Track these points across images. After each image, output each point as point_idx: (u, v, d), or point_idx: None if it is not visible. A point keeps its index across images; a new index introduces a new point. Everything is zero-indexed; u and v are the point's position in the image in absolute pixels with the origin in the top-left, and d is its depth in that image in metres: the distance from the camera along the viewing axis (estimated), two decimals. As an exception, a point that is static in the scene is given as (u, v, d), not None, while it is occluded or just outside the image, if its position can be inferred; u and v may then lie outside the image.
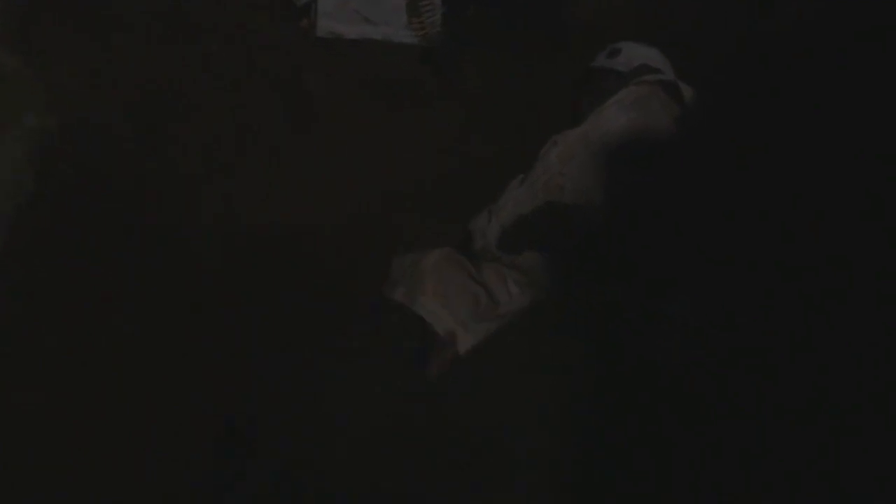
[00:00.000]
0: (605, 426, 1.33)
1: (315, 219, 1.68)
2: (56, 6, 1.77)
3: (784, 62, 1.40)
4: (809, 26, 1.40)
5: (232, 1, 1.86)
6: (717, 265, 1.35)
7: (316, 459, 1.38)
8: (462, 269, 1.50)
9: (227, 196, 1.70)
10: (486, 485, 1.34)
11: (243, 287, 1.60)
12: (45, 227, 1.61)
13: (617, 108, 1.57)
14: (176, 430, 1.46)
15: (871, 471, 1.13)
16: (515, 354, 1.46)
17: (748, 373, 1.25)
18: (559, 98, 1.76)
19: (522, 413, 1.38)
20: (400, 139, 1.78)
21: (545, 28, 1.87)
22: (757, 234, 1.33)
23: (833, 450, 1.15)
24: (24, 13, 1.73)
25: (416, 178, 1.74)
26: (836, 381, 1.20)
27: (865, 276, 1.24)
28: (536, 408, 1.38)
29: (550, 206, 1.54)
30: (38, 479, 1.42)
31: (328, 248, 1.65)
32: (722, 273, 1.34)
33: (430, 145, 1.78)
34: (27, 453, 1.43)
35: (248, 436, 1.44)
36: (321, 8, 1.88)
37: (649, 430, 1.28)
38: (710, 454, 1.22)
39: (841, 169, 1.30)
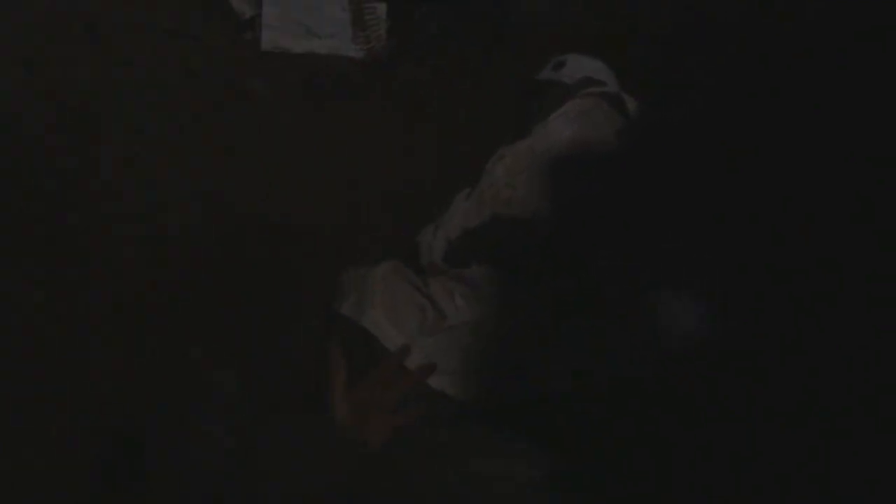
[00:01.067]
0: (594, 431, 1.32)
1: (250, 219, 1.66)
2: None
3: (784, 62, 1.39)
4: (809, 26, 1.40)
5: (168, 8, 1.83)
6: (687, 268, 1.35)
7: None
8: (409, 282, 1.46)
9: (160, 197, 1.68)
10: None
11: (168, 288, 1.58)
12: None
13: (562, 120, 1.57)
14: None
15: (862, 473, 1.12)
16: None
17: (738, 375, 1.24)
18: (506, 104, 1.76)
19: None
20: (343, 150, 1.77)
21: (493, 29, 1.88)
22: (747, 236, 1.32)
23: (824, 452, 1.14)
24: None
25: (361, 187, 1.72)
26: (826, 384, 1.20)
27: (857, 278, 1.23)
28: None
29: (497, 219, 1.53)
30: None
31: (261, 251, 1.64)
32: (700, 276, 1.33)
33: (375, 156, 1.76)
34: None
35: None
36: (265, 20, 1.84)
37: (638, 433, 1.27)
38: (699, 456, 1.22)
39: (831, 171, 1.30)
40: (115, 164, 1.69)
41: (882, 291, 1.22)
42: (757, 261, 1.30)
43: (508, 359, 1.39)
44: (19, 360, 1.52)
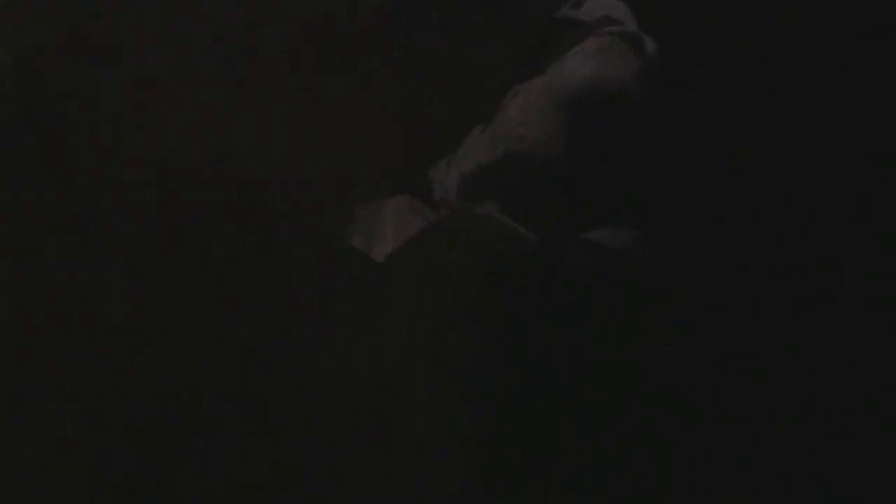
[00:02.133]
0: (593, 429, 1.31)
1: (265, 170, 1.63)
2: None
3: (784, 62, 1.39)
4: (809, 26, 1.40)
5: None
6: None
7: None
8: (422, 216, 1.44)
9: (163, 140, 1.63)
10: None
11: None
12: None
13: (579, 58, 1.54)
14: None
15: (861, 473, 1.12)
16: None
17: (738, 375, 1.24)
18: (522, 41, 1.73)
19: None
20: (357, 88, 1.73)
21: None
22: (746, 236, 1.32)
23: (824, 452, 1.14)
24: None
25: (374, 127, 1.69)
26: (826, 384, 1.20)
27: (856, 278, 1.23)
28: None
29: (510, 156, 1.49)
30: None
31: (275, 200, 1.61)
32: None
33: (388, 95, 1.73)
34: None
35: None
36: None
37: (637, 432, 1.27)
38: (699, 456, 1.22)
39: (831, 171, 1.29)
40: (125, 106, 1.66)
41: (882, 291, 1.22)
42: (756, 260, 1.30)
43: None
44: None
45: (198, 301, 1.48)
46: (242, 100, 1.64)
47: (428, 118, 1.63)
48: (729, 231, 1.34)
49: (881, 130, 1.29)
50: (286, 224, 1.52)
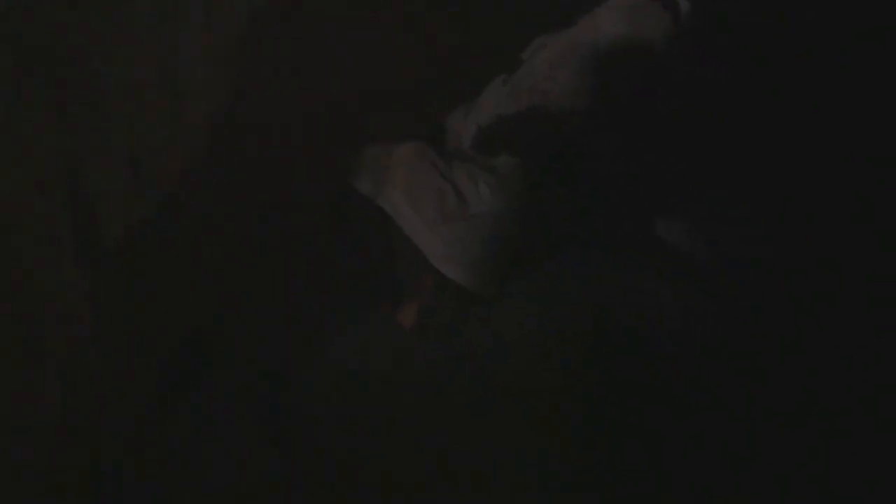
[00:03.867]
0: (593, 428, 1.31)
1: (284, 113, 1.60)
2: None
3: (784, 62, 1.39)
4: (809, 26, 1.40)
5: None
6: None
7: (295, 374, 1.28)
8: (432, 164, 1.40)
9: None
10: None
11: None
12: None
13: (611, 14, 1.50)
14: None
15: (861, 473, 1.12)
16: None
17: (739, 375, 1.24)
18: None
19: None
20: (380, 35, 1.69)
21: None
22: (749, 234, 1.32)
23: (824, 452, 1.14)
24: None
25: (394, 73, 1.57)
26: (826, 384, 1.20)
27: (857, 278, 1.23)
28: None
29: (533, 110, 1.43)
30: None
31: (298, 143, 1.58)
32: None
33: (411, 42, 1.69)
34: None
35: (212, 344, 1.35)
36: None
37: (638, 431, 1.27)
38: (700, 456, 1.22)
39: (832, 171, 1.29)
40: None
41: (882, 291, 1.22)
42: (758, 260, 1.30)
43: (527, 253, 1.36)
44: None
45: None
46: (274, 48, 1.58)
47: (446, 64, 1.59)
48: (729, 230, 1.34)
49: (882, 130, 1.29)
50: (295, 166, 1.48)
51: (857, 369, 1.19)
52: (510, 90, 1.48)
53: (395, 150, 1.40)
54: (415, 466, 1.22)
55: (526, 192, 1.38)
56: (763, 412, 1.19)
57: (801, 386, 1.20)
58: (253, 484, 1.24)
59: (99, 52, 1.33)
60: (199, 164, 1.46)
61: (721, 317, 1.28)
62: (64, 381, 1.26)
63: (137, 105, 1.36)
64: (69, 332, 1.29)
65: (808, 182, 1.31)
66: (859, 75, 1.32)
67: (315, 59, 1.62)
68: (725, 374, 1.24)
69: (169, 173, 1.42)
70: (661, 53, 1.44)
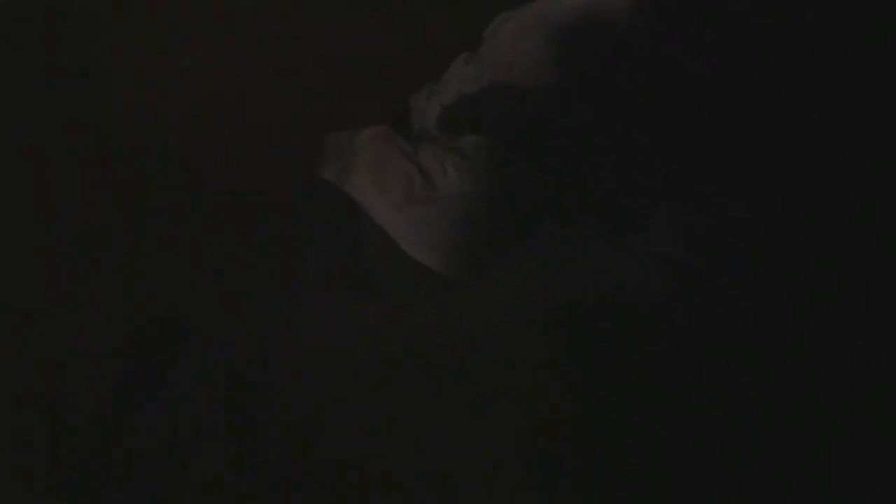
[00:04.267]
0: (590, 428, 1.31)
1: (248, 93, 1.60)
2: None
3: (784, 62, 1.39)
4: (809, 26, 1.40)
5: None
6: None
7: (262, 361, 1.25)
8: (398, 147, 1.39)
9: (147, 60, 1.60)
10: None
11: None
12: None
13: None
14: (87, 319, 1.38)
15: (861, 473, 1.12)
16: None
17: (738, 375, 1.24)
18: None
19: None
20: (345, 12, 1.68)
21: None
22: (748, 235, 1.32)
23: (824, 452, 1.14)
24: None
25: (361, 54, 1.63)
26: (826, 384, 1.19)
27: (857, 279, 1.23)
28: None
29: (497, 86, 1.43)
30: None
31: (262, 123, 1.56)
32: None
33: (376, 22, 1.67)
34: None
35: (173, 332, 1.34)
36: None
37: (636, 431, 1.27)
38: (699, 456, 1.21)
39: (831, 171, 1.29)
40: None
41: (882, 291, 1.22)
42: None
43: (497, 234, 1.32)
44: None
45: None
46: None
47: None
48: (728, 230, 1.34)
49: (882, 130, 1.29)
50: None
51: (857, 370, 1.19)
52: (474, 66, 1.46)
53: (359, 134, 1.39)
54: (385, 462, 1.19)
55: (493, 170, 1.35)
56: (762, 412, 1.19)
57: (800, 386, 1.20)
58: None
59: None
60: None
61: (706, 305, 1.26)
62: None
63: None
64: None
65: (804, 183, 1.32)
66: (835, 58, 1.32)
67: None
68: (716, 364, 1.23)
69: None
70: (625, 27, 1.42)
